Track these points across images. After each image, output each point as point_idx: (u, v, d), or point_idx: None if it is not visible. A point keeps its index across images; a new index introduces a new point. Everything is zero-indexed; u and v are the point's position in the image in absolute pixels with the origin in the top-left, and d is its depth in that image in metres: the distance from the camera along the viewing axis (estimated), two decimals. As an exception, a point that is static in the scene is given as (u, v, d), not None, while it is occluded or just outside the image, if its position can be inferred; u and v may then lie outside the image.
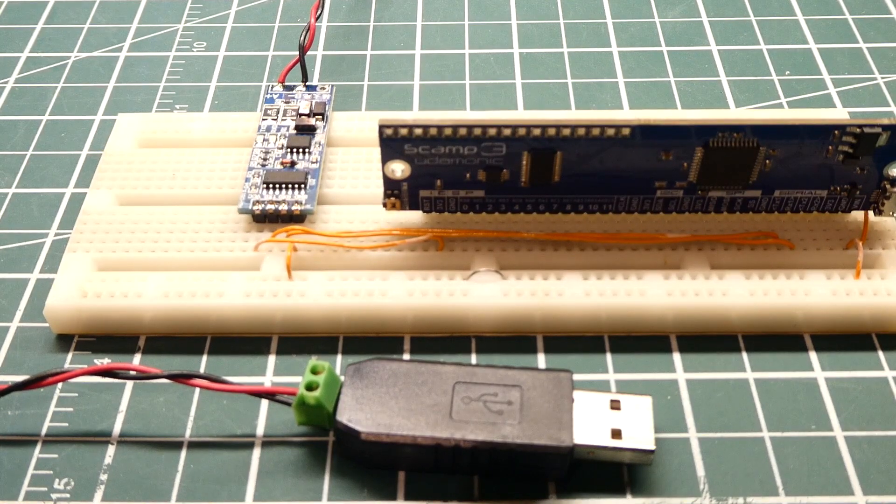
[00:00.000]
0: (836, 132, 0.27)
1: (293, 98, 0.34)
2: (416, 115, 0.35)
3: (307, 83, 0.35)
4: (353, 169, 0.32)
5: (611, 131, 0.27)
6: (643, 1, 0.42)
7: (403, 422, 0.24)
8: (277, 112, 0.33)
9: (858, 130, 0.27)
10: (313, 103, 0.34)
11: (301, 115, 0.33)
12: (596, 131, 0.27)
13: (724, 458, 0.25)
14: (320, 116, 0.33)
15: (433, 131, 0.27)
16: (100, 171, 0.32)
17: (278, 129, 0.33)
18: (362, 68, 0.38)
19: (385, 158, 0.28)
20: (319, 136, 0.32)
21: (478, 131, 0.27)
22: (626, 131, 0.27)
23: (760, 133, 0.27)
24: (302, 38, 0.35)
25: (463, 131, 0.27)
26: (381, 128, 0.27)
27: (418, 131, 0.27)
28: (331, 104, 0.34)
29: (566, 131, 0.27)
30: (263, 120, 0.33)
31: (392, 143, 0.27)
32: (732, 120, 0.27)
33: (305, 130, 0.33)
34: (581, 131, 0.27)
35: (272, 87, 0.35)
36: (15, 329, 0.29)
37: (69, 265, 0.29)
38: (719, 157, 0.27)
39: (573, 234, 0.29)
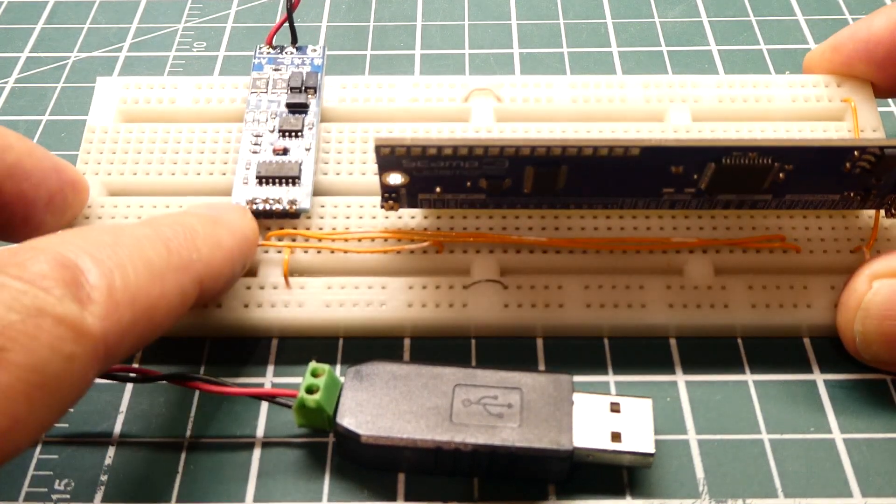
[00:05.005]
0: (855, 153, 0.26)
1: (283, 63, 0.33)
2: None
3: (297, 45, 0.33)
4: (348, 151, 0.31)
5: (619, 151, 0.25)
6: (643, 1, 0.42)
7: (403, 425, 0.24)
8: (266, 83, 0.32)
9: (879, 151, 0.26)
10: (305, 73, 0.32)
11: (293, 88, 0.32)
12: (603, 151, 0.25)
13: (723, 460, 0.25)
14: (312, 91, 0.32)
15: (432, 151, 0.26)
16: (83, 151, 0.31)
17: (268, 106, 0.31)
18: (362, 68, 0.38)
19: (382, 171, 0.27)
20: (312, 116, 0.31)
21: (479, 151, 0.25)
22: (634, 152, 0.25)
23: (776, 154, 0.26)
24: None
25: (464, 151, 0.25)
26: (378, 147, 0.26)
27: (416, 151, 0.26)
28: (322, 70, 0.32)
29: (572, 151, 0.25)
30: (252, 93, 0.32)
31: (389, 158, 0.26)
32: (747, 141, 0.26)
33: (297, 109, 0.31)
34: (588, 152, 0.25)
35: (259, 47, 0.33)
36: (15, 330, 0.29)
37: (69, 266, 0.29)
38: (732, 172, 0.26)
39: (576, 239, 0.29)
